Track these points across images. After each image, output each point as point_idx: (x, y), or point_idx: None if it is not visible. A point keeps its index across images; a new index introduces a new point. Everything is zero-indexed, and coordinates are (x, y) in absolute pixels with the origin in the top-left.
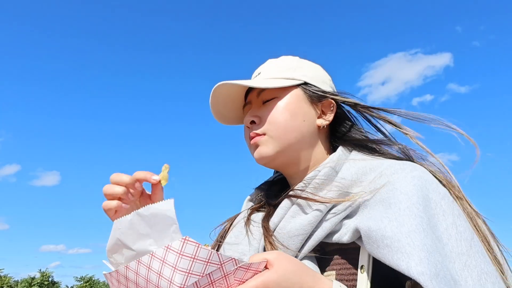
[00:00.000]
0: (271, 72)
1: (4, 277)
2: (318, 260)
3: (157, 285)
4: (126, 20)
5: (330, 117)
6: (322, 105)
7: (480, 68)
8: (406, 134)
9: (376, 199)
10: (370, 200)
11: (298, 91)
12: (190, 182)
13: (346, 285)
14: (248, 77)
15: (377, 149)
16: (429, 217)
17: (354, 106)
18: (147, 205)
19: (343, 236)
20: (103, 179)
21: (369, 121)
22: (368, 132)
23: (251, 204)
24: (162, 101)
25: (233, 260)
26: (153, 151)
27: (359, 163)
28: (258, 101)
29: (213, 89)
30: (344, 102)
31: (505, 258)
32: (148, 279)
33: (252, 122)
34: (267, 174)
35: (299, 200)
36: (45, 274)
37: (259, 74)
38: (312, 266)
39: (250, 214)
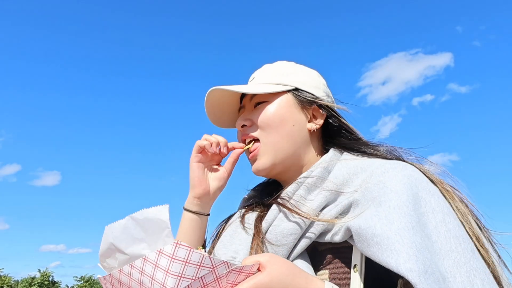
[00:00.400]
0: (264, 78)
1: (4, 277)
2: (311, 260)
3: None
4: (126, 23)
5: (320, 121)
6: (313, 109)
7: (480, 68)
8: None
9: (367, 198)
10: (361, 199)
11: (288, 96)
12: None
13: (340, 284)
14: (247, 78)
15: (367, 150)
16: (419, 215)
17: (335, 115)
18: (142, 209)
19: (335, 235)
20: (103, 179)
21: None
22: (358, 135)
23: (246, 204)
24: (163, 102)
25: (225, 263)
26: (153, 151)
27: (351, 163)
28: (251, 105)
29: (206, 94)
30: (329, 109)
31: (498, 255)
32: (141, 283)
33: (244, 125)
34: (261, 177)
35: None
36: (45, 274)
37: (253, 79)
38: (306, 266)
39: (244, 214)
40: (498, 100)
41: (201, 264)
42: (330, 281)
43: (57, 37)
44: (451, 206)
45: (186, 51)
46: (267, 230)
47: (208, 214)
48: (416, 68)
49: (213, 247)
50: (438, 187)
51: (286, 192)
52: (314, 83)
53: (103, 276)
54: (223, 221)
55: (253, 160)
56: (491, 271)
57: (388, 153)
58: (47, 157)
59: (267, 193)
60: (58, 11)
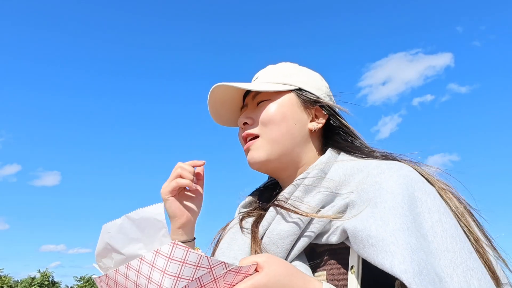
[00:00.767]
0: (268, 77)
1: (4, 277)
2: (309, 261)
3: None
4: (125, 23)
5: (321, 121)
6: (315, 110)
7: (481, 68)
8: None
9: (363, 199)
10: (357, 200)
11: (291, 96)
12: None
13: (337, 285)
14: (247, 78)
15: (365, 151)
16: (414, 216)
17: (336, 116)
18: (137, 209)
19: (332, 236)
20: (103, 180)
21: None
22: (359, 137)
23: (244, 210)
24: (163, 102)
25: (223, 263)
26: (153, 151)
27: (347, 164)
28: (253, 103)
29: (210, 90)
30: (331, 110)
31: (499, 254)
32: (137, 283)
33: (245, 123)
34: (261, 180)
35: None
36: (45, 274)
37: (257, 78)
38: (303, 267)
39: (241, 220)
40: (498, 100)
41: (199, 265)
42: (327, 282)
43: (57, 37)
44: (448, 205)
45: (186, 51)
46: (264, 234)
47: (194, 238)
48: (416, 68)
49: (212, 254)
50: (434, 187)
51: (283, 195)
52: (317, 85)
53: (99, 277)
54: (221, 229)
55: (247, 151)
56: (489, 271)
57: (384, 156)
58: (47, 157)
59: (264, 198)
60: (58, 11)
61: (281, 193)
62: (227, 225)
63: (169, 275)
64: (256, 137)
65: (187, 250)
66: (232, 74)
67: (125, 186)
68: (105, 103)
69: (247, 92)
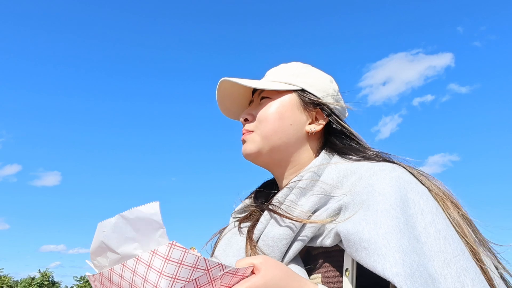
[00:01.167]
0: (275, 76)
1: (4, 277)
2: (305, 264)
3: None
4: (126, 24)
5: (321, 123)
6: (317, 112)
7: (481, 69)
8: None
9: (356, 202)
10: (350, 202)
11: (293, 96)
12: (188, 187)
13: None
14: (249, 77)
15: (359, 153)
16: (407, 217)
17: (336, 119)
18: (132, 208)
19: (326, 239)
20: (103, 180)
21: (349, 132)
22: (360, 141)
23: (238, 214)
24: (163, 102)
25: (220, 265)
26: (153, 152)
27: (340, 166)
28: (258, 100)
29: (218, 84)
30: (332, 112)
31: (493, 254)
32: (132, 283)
33: (246, 119)
34: (259, 179)
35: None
36: (45, 274)
37: (266, 76)
38: (299, 270)
39: (238, 225)
40: (498, 100)
41: (196, 266)
42: (322, 284)
43: (58, 38)
44: (441, 206)
45: (186, 51)
46: (259, 238)
47: None
48: (416, 69)
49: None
50: (427, 188)
51: (277, 198)
52: (324, 87)
53: (93, 275)
54: (217, 232)
55: (243, 142)
56: (483, 272)
57: (379, 155)
58: (48, 158)
59: (261, 199)
60: (59, 11)
61: (275, 197)
62: (223, 229)
63: (165, 276)
64: (251, 132)
65: (185, 252)
66: (232, 74)
67: (125, 186)
68: (105, 103)
69: (256, 88)
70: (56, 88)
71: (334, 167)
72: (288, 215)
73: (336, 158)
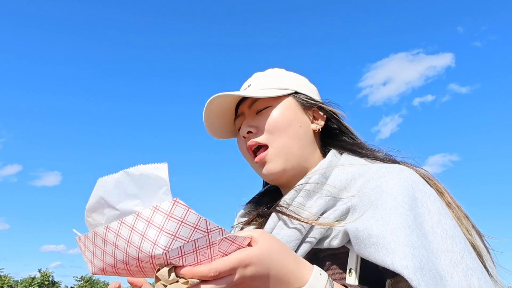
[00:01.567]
0: (262, 84)
1: (4, 277)
2: None
3: (139, 247)
4: (126, 24)
5: (322, 122)
6: (314, 111)
7: (481, 69)
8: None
9: (365, 203)
10: (358, 204)
11: (290, 99)
12: (188, 188)
13: None
14: (247, 78)
15: (366, 153)
16: (415, 215)
17: (336, 117)
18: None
19: (334, 240)
20: None
21: (346, 129)
22: (357, 136)
23: (242, 219)
24: (163, 102)
25: (220, 229)
26: (153, 152)
27: (348, 169)
28: (251, 112)
29: (207, 102)
30: (330, 110)
31: (490, 255)
32: (129, 241)
33: (249, 132)
34: (258, 181)
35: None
36: (45, 274)
37: (249, 86)
38: None
39: (242, 228)
40: (499, 100)
41: (196, 227)
42: None
43: (58, 38)
44: (447, 207)
45: (185, 52)
46: None
47: None
48: (417, 69)
49: None
50: (434, 189)
51: (285, 200)
52: (309, 87)
53: (84, 235)
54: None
55: (262, 163)
56: (487, 271)
57: (385, 157)
58: (48, 158)
59: (263, 205)
60: (59, 11)
61: (282, 199)
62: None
63: (166, 232)
64: (264, 146)
65: (188, 210)
66: (232, 74)
67: None
68: (106, 103)
69: (240, 101)
70: (57, 88)
71: (342, 170)
72: (297, 216)
73: (345, 158)
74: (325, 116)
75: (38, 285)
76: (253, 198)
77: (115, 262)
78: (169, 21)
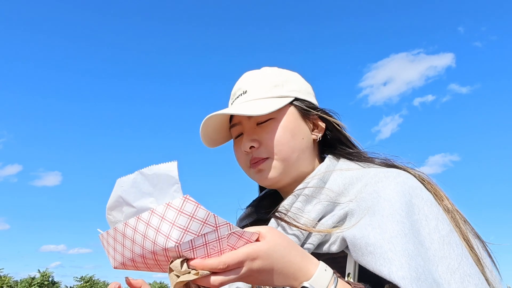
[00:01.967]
0: (259, 92)
1: (4, 277)
2: None
3: (154, 241)
4: (127, 27)
5: (321, 129)
6: (313, 118)
7: (482, 69)
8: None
9: (362, 208)
10: (356, 209)
11: (291, 109)
12: (188, 188)
13: None
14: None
15: (364, 157)
16: (412, 222)
17: (335, 126)
18: (151, 165)
19: (332, 245)
20: (104, 180)
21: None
22: (354, 142)
23: (243, 223)
24: (164, 104)
25: (228, 224)
26: (153, 153)
27: (346, 173)
28: (251, 122)
29: (204, 120)
30: (330, 120)
31: (493, 260)
32: (145, 236)
33: (252, 147)
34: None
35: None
36: (45, 274)
37: (245, 92)
38: None
39: None
40: (499, 100)
41: (206, 221)
42: None
43: (58, 40)
44: (445, 212)
45: (184, 55)
46: None
47: None
48: (417, 69)
49: None
50: (432, 193)
51: (284, 206)
52: (306, 89)
53: (106, 231)
54: None
55: (258, 171)
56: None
57: (382, 162)
58: (48, 158)
59: (263, 208)
60: (61, 14)
61: (281, 204)
62: None
63: (177, 227)
64: (266, 159)
65: (197, 206)
66: (233, 76)
67: None
68: (106, 104)
69: None
70: (57, 88)
71: (340, 174)
72: (295, 223)
73: (342, 163)
74: (324, 125)
75: (38, 285)
76: (253, 201)
77: (133, 256)
78: (169, 25)
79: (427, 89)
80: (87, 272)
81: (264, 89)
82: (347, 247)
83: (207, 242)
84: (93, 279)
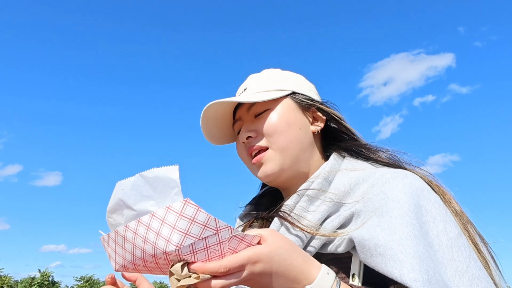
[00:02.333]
0: (258, 86)
1: (4, 277)
2: None
3: (154, 244)
4: (127, 31)
5: (321, 123)
6: (313, 112)
7: (482, 69)
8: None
9: (369, 209)
10: (362, 210)
11: (288, 101)
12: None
13: None
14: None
15: (369, 156)
16: (421, 224)
17: (336, 118)
18: (151, 168)
19: (338, 246)
20: (104, 180)
21: (347, 129)
22: (358, 137)
23: (243, 221)
24: (164, 107)
25: (229, 228)
26: (153, 154)
27: (352, 174)
28: (249, 116)
29: (203, 109)
30: (330, 112)
31: (495, 263)
32: (146, 239)
33: (249, 137)
34: (256, 184)
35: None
36: (45, 274)
37: (245, 89)
38: None
39: (243, 230)
40: (499, 100)
41: (206, 225)
42: None
43: (58, 42)
44: (452, 214)
45: (187, 59)
46: None
47: None
48: (417, 69)
49: None
50: (439, 195)
51: (287, 205)
52: (307, 87)
53: (107, 234)
54: None
55: (259, 165)
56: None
57: (389, 159)
58: (49, 158)
59: (263, 206)
60: (65, 19)
61: (285, 203)
62: None
63: (178, 230)
64: (264, 149)
65: (198, 209)
66: (235, 79)
67: None
68: (107, 105)
69: (238, 106)
70: (57, 90)
71: (345, 174)
72: (299, 225)
73: (347, 161)
74: (324, 118)
75: (38, 285)
76: (253, 199)
77: (134, 259)
78: (169, 29)
79: (427, 89)
80: (87, 272)
81: (263, 84)
82: (353, 248)
83: (208, 246)
84: (93, 279)
